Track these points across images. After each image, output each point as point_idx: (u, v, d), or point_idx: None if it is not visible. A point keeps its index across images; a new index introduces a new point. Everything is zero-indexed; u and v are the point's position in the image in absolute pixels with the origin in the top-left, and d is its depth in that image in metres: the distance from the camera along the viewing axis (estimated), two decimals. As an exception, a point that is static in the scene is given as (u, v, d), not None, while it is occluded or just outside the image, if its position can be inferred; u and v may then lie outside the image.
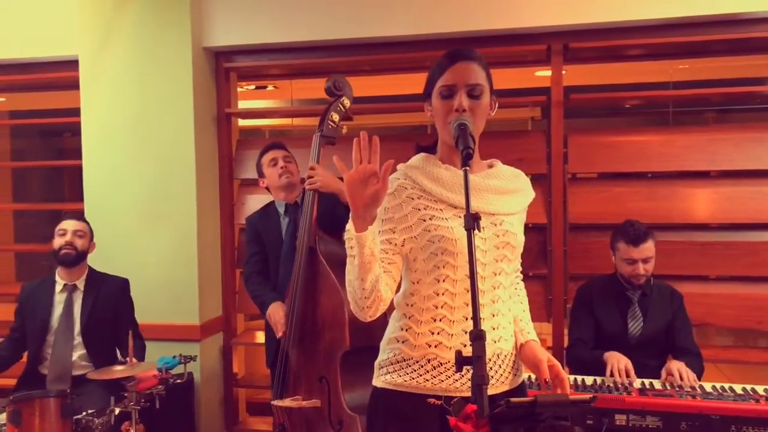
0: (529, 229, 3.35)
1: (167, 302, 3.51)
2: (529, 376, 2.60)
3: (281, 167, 2.93)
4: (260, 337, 3.74)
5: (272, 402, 2.63)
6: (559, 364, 1.65)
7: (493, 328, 1.64)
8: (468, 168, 1.48)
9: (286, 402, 2.53)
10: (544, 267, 3.36)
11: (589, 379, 2.55)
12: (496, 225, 1.63)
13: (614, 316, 2.78)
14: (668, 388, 2.42)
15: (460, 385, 1.60)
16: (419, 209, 1.63)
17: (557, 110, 3.34)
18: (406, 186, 1.66)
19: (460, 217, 1.61)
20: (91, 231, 3.16)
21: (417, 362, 1.63)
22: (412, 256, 1.66)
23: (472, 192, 1.60)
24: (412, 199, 1.64)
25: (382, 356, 1.72)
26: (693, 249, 3.26)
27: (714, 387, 2.43)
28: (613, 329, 2.76)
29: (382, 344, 1.74)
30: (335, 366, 2.44)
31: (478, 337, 1.35)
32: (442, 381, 1.61)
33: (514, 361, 1.70)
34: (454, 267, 1.61)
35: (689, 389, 2.42)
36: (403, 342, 1.66)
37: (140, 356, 3.01)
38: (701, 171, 3.31)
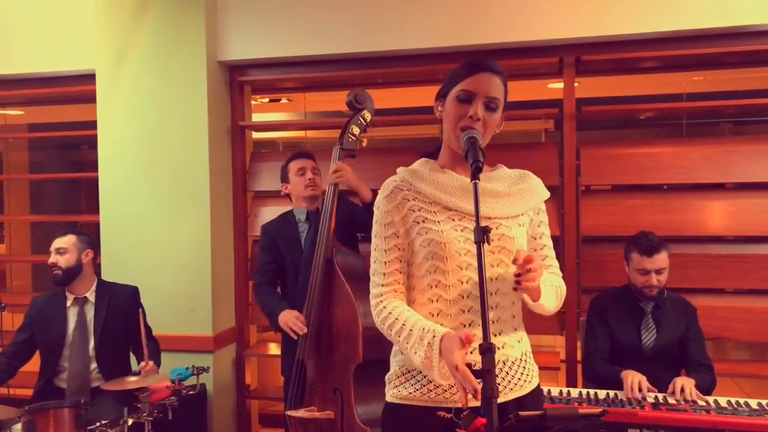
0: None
1: (181, 313, 3.53)
2: (549, 390, 2.59)
3: (309, 179, 2.97)
4: (273, 348, 3.76)
5: (286, 412, 2.64)
6: (538, 259, 1.52)
7: (495, 335, 1.62)
8: (478, 181, 1.49)
9: (300, 413, 2.55)
10: (557, 279, 3.33)
11: (602, 393, 2.53)
12: (492, 229, 1.58)
13: (628, 327, 2.76)
14: (682, 402, 2.39)
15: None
16: (414, 211, 1.64)
17: (569, 122, 3.34)
18: (402, 188, 1.67)
19: (453, 220, 1.61)
20: (83, 241, 3.04)
21: (420, 372, 1.62)
22: (410, 260, 1.66)
23: (467, 194, 1.61)
24: (408, 200, 1.65)
25: (390, 370, 1.72)
26: (707, 262, 3.23)
27: (729, 402, 2.40)
28: (627, 340, 2.75)
29: (391, 357, 1.74)
30: (349, 378, 2.45)
31: (487, 350, 1.35)
32: (445, 390, 1.60)
33: (524, 368, 1.67)
34: (444, 272, 1.60)
35: (703, 404, 2.39)
36: (404, 352, 1.64)
37: (156, 358, 3.02)
38: (715, 183, 3.28)
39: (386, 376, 1.72)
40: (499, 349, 1.61)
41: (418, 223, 1.63)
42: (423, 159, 1.75)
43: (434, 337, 1.49)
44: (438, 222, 1.61)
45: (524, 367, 1.67)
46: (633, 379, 2.49)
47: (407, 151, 3.72)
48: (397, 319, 1.59)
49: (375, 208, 1.71)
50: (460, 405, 1.52)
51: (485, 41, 3.32)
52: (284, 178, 3.05)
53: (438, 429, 1.58)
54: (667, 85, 4.39)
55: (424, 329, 1.52)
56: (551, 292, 1.64)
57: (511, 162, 3.46)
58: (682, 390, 2.46)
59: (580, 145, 3.39)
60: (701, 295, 3.19)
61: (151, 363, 2.76)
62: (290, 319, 2.70)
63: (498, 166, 1.76)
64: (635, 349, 2.73)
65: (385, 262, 1.66)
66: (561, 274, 1.76)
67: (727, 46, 3.19)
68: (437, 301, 1.61)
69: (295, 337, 2.69)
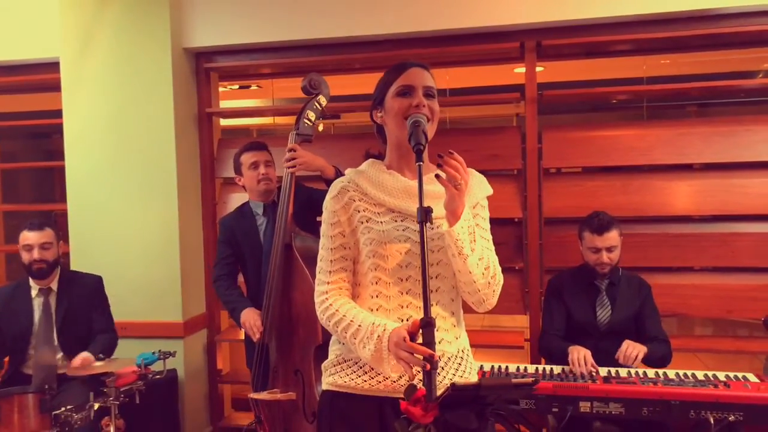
0: (505, 223, 3.42)
1: (150, 300, 3.56)
2: (499, 367, 2.66)
3: (262, 173, 2.91)
4: (244, 334, 3.78)
5: (249, 395, 2.68)
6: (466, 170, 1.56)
7: None
8: (422, 163, 1.53)
9: (263, 395, 2.59)
10: (520, 261, 3.41)
11: (557, 368, 2.61)
12: (432, 229, 1.62)
13: (583, 305, 2.84)
14: (632, 375, 2.48)
15: (399, 386, 1.60)
16: (359, 211, 1.68)
17: (531, 106, 3.40)
18: (349, 189, 1.70)
19: (396, 221, 1.65)
20: (57, 233, 3.09)
21: (356, 363, 1.67)
22: (356, 258, 1.70)
23: (410, 197, 1.66)
24: (354, 201, 1.69)
25: (328, 358, 1.76)
26: (666, 241, 3.32)
27: (677, 374, 2.49)
28: (583, 318, 2.83)
29: (330, 346, 1.78)
30: (309, 359, 2.50)
31: (427, 324, 1.41)
32: (380, 382, 1.63)
33: (459, 365, 1.69)
34: (385, 270, 1.64)
35: (652, 376, 2.47)
36: (343, 343, 1.69)
37: (106, 350, 3.03)
38: (673, 164, 3.36)
39: (323, 365, 1.76)
40: (436, 343, 1.59)
41: (362, 222, 1.67)
42: (371, 160, 1.78)
43: (384, 330, 1.53)
44: (381, 222, 1.65)
45: (460, 365, 1.69)
46: (579, 354, 2.58)
47: (375, 136, 3.76)
48: (344, 315, 1.63)
49: (324, 209, 1.75)
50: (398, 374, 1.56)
51: (447, 27, 3.36)
52: (237, 170, 2.99)
53: (373, 416, 1.64)
54: (628, 69, 4.46)
55: (374, 324, 1.56)
56: (478, 251, 1.60)
57: (474, 146, 3.52)
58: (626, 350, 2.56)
59: (543, 129, 3.45)
60: (659, 273, 3.28)
61: (84, 354, 2.81)
62: (251, 320, 2.72)
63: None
64: (590, 326, 2.80)
65: (331, 261, 1.70)
66: (498, 265, 1.68)
67: (689, 30, 3.25)
68: (377, 296, 1.65)
69: (254, 340, 2.72)
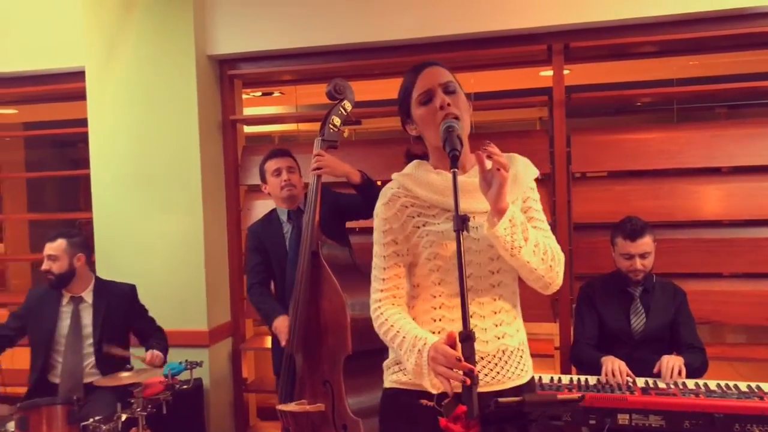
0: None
1: (175, 309, 3.54)
2: (540, 377, 2.60)
3: (284, 180, 2.92)
4: (269, 342, 3.76)
5: (277, 407, 2.65)
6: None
7: (496, 325, 1.65)
8: (457, 170, 1.50)
9: (291, 406, 2.55)
10: (549, 267, 3.33)
11: (592, 379, 2.54)
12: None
13: (617, 312, 2.77)
14: (671, 386, 2.40)
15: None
16: (413, 216, 1.67)
17: (559, 110, 3.34)
18: (399, 195, 1.69)
19: (452, 219, 1.62)
20: (74, 245, 3.04)
21: None
22: (413, 262, 1.70)
23: (463, 193, 1.62)
24: (406, 207, 1.68)
25: (389, 357, 1.76)
26: (698, 246, 3.24)
27: (718, 385, 2.41)
28: (616, 326, 2.76)
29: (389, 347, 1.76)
30: (338, 370, 2.46)
31: (466, 338, 1.37)
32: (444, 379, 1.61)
33: (521, 357, 1.69)
34: (446, 270, 1.64)
35: (693, 387, 2.40)
36: None
37: (165, 346, 3.09)
38: (705, 168, 3.28)
39: (384, 363, 1.76)
40: (498, 338, 1.65)
41: (418, 227, 1.67)
42: (416, 161, 1.77)
43: (425, 344, 1.52)
44: (438, 224, 1.65)
45: (521, 357, 1.70)
46: (613, 365, 2.51)
47: (401, 142, 3.73)
48: (392, 326, 1.64)
49: (375, 216, 1.74)
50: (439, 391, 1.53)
51: (475, 30, 3.32)
52: (263, 178, 3.01)
53: (433, 413, 1.60)
54: (659, 70, 4.37)
55: (416, 337, 1.56)
56: (532, 239, 1.58)
57: (503, 149, 3.46)
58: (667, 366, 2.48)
59: (571, 133, 3.39)
60: (693, 279, 3.20)
61: (156, 351, 2.88)
62: (283, 327, 2.72)
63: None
64: (625, 334, 2.74)
65: (384, 268, 1.71)
66: (556, 243, 1.68)
67: (719, 30, 3.17)
68: (440, 296, 1.66)
69: (282, 344, 2.71)
